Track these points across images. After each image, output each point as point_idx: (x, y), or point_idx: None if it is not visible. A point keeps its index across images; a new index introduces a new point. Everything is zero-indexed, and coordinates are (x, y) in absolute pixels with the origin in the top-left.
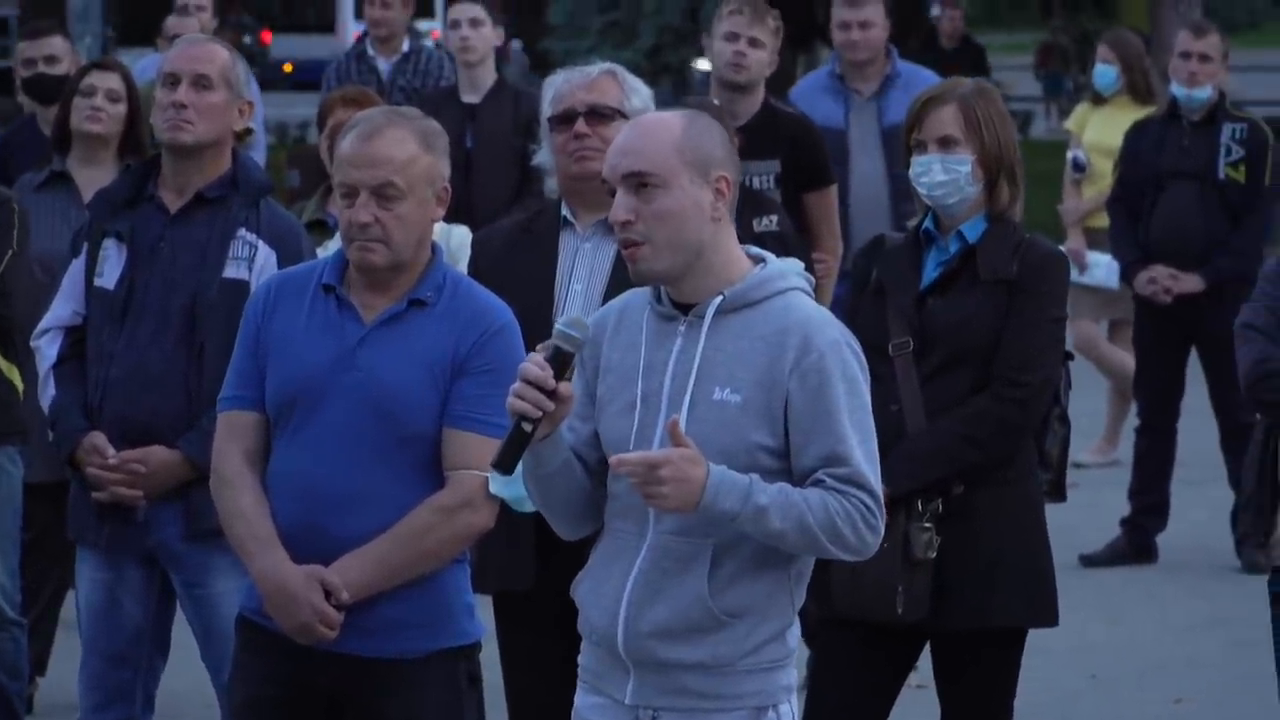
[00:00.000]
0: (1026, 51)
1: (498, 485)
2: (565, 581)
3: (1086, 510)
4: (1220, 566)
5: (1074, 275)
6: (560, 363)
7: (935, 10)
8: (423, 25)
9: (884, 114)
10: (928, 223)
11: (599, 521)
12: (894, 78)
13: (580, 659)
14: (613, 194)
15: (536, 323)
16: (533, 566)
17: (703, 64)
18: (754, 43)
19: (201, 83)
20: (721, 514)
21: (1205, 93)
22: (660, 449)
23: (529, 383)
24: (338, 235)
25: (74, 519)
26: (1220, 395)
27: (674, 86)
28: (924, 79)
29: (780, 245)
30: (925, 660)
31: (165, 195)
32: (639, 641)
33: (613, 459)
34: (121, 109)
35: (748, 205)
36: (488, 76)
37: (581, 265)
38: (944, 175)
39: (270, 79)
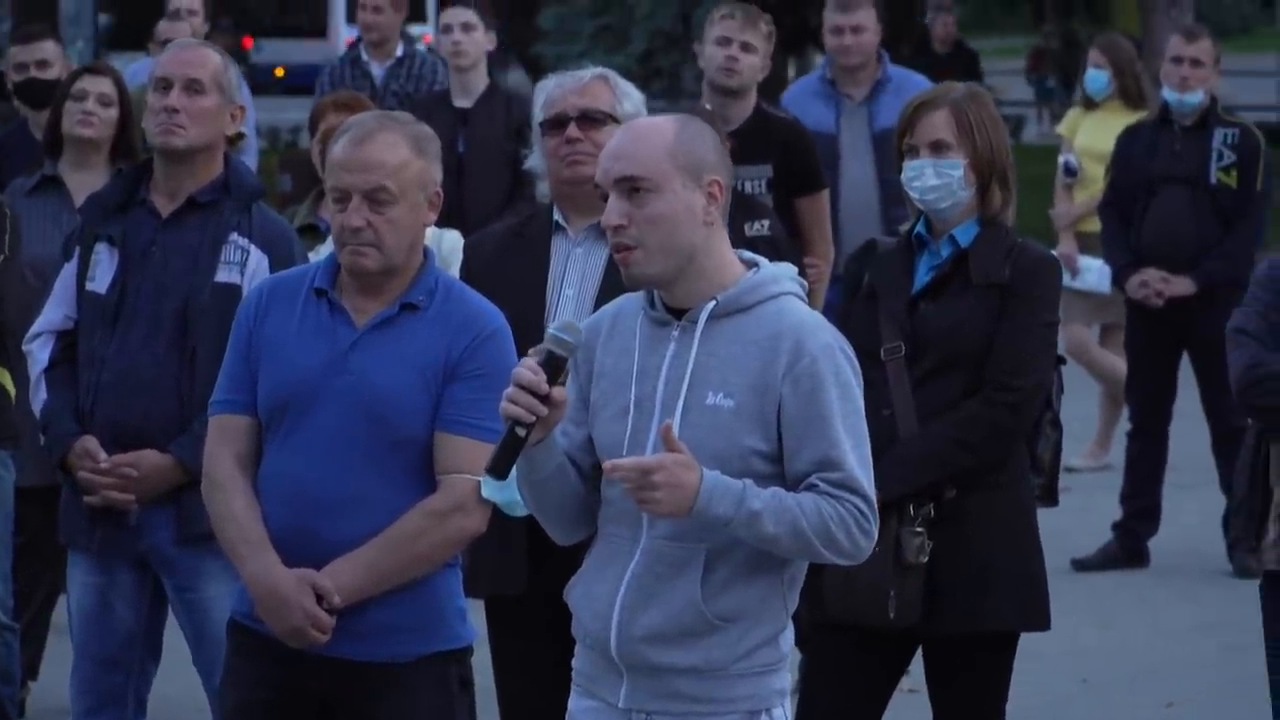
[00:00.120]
0: (1018, 56)
1: (490, 490)
2: (557, 586)
3: (1078, 514)
4: (1212, 571)
5: (1065, 280)
6: (553, 367)
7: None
8: (415, 30)
9: (875, 119)
10: (920, 227)
11: (593, 526)
12: (885, 82)
13: (574, 662)
14: (605, 199)
15: (528, 327)
16: (525, 571)
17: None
18: (746, 47)
19: (193, 87)
20: (715, 519)
21: (1197, 97)
22: (654, 454)
23: (522, 387)
24: (329, 240)
25: (66, 523)
26: (1212, 399)
27: (665, 91)
28: (915, 84)
29: (772, 250)
30: (917, 664)
31: (157, 199)
32: (631, 646)
33: (606, 464)
34: (113, 113)
35: (739, 210)
36: (479, 81)
37: (573, 270)
38: (936, 180)
39: (262, 83)
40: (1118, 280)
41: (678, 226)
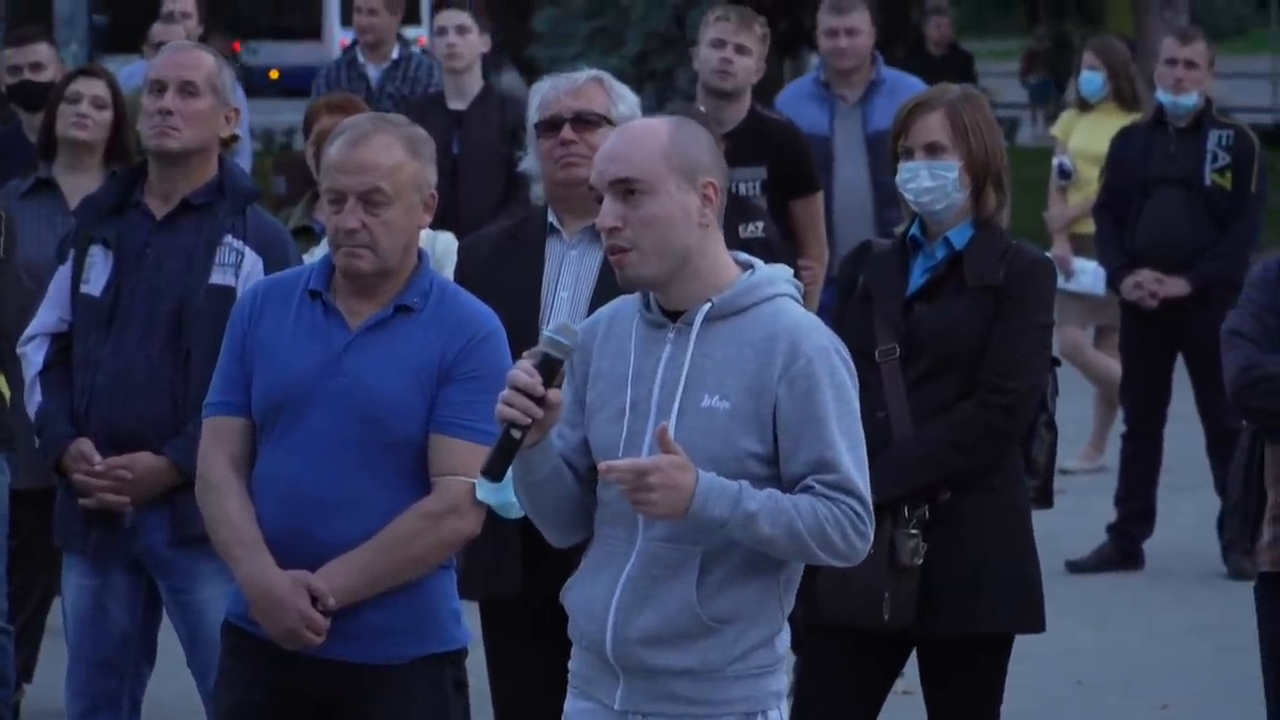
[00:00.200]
0: (1013, 59)
1: (484, 491)
2: (551, 587)
3: (1073, 516)
4: (1207, 572)
5: (1060, 282)
6: (549, 369)
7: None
8: (409, 32)
9: (869, 121)
10: (914, 229)
11: (590, 529)
12: (879, 84)
13: (570, 664)
14: (600, 200)
15: (523, 329)
16: (519, 572)
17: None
18: (740, 49)
19: (188, 89)
20: (710, 520)
21: (1191, 99)
22: (649, 456)
23: (518, 389)
24: (324, 241)
25: (60, 525)
26: (1207, 401)
27: (659, 93)
28: (909, 86)
29: (766, 251)
30: (912, 666)
31: (151, 202)
32: (627, 648)
33: (602, 465)
34: (107, 116)
35: (734, 211)
36: (474, 83)
37: (568, 272)
38: (931, 181)
39: (256, 85)
40: (1112, 282)
41: (672, 228)
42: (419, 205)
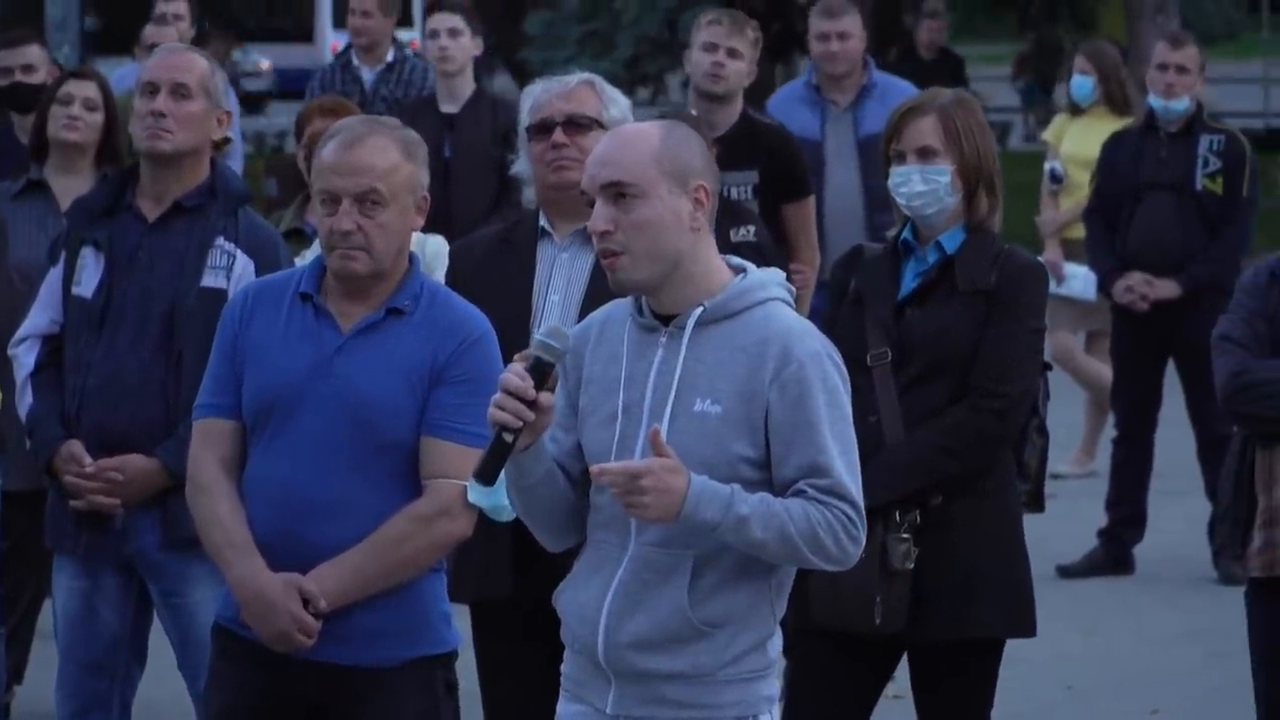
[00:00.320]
0: (1004, 63)
1: (476, 494)
2: (542, 590)
3: (1064, 521)
4: (1197, 578)
5: (1051, 287)
6: (540, 373)
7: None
8: (402, 35)
9: (860, 125)
10: (906, 233)
11: (583, 533)
12: (870, 88)
13: (563, 668)
14: (591, 204)
15: (514, 333)
16: (509, 575)
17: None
18: (732, 53)
19: (180, 91)
20: (702, 524)
21: (1183, 104)
22: (642, 459)
23: (509, 393)
24: (316, 244)
25: (51, 527)
26: (1197, 406)
27: (651, 96)
28: (900, 90)
29: (758, 255)
30: (902, 670)
31: (143, 204)
32: (618, 652)
33: (594, 468)
34: (99, 118)
35: (725, 215)
36: (466, 86)
37: (559, 275)
38: (923, 186)
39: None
40: (1103, 286)
41: (664, 232)
42: (412, 208)
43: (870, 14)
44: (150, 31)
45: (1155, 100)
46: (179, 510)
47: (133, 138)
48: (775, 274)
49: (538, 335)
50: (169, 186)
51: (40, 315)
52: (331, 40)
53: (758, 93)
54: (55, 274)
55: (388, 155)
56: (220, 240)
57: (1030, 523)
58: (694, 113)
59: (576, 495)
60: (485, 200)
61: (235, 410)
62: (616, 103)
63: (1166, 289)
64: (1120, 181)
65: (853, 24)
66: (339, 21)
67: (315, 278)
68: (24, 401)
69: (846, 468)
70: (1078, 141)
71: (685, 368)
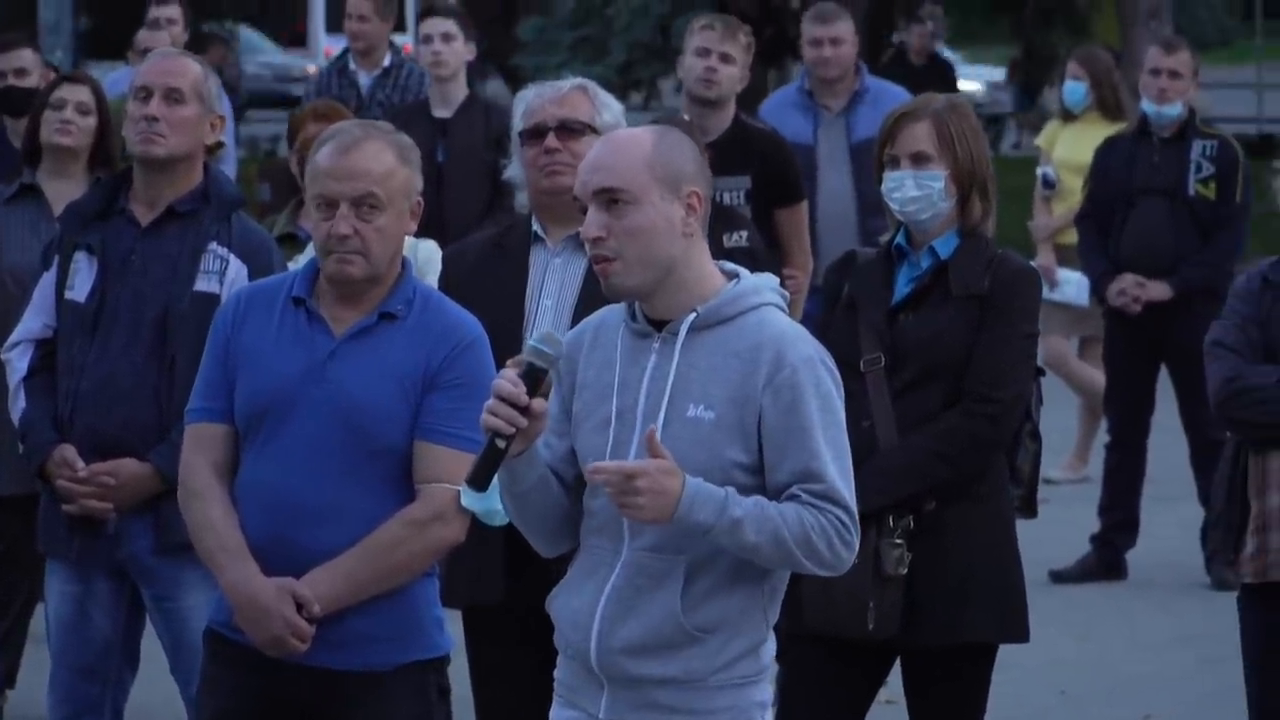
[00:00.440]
0: (998, 68)
1: (469, 499)
2: (535, 595)
3: (1057, 526)
4: (1190, 583)
5: (1044, 292)
6: (533, 379)
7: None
8: (395, 40)
9: (852, 130)
10: (899, 238)
11: (576, 538)
12: (862, 93)
13: (556, 672)
14: (584, 210)
15: (507, 338)
16: (502, 580)
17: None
18: (725, 58)
19: (173, 96)
20: (696, 525)
21: (1175, 109)
22: (636, 460)
23: (502, 399)
24: (309, 248)
25: (44, 531)
26: (1190, 411)
27: (644, 101)
28: (892, 95)
29: (750, 261)
30: (895, 676)
31: (136, 208)
32: (611, 657)
33: (589, 467)
34: (91, 122)
35: (718, 221)
36: (459, 91)
37: (552, 280)
38: (916, 191)
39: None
40: (1096, 289)
41: (656, 238)
42: (407, 212)
43: (862, 19)
44: (143, 36)
45: (1148, 105)
46: (171, 515)
47: (126, 142)
48: (768, 279)
49: (531, 341)
50: (162, 191)
51: (33, 320)
52: (325, 45)
53: (750, 98)
54: (48, 278)
55: (384, 160)
56: (213, 245)
57: (1023, 528)
58: (687, 118)
59: (570, 501)
60: (478, 205)
61: (227, 414)
62: (609, 108)
63: (1159, 290)
64: (1113, 186)
65: (845, 29)
66: (332, 26)
67: (308, 282)
68: (17, 406)
69: (840, 473)
70: (1070, 147)
71: (678, 373)
